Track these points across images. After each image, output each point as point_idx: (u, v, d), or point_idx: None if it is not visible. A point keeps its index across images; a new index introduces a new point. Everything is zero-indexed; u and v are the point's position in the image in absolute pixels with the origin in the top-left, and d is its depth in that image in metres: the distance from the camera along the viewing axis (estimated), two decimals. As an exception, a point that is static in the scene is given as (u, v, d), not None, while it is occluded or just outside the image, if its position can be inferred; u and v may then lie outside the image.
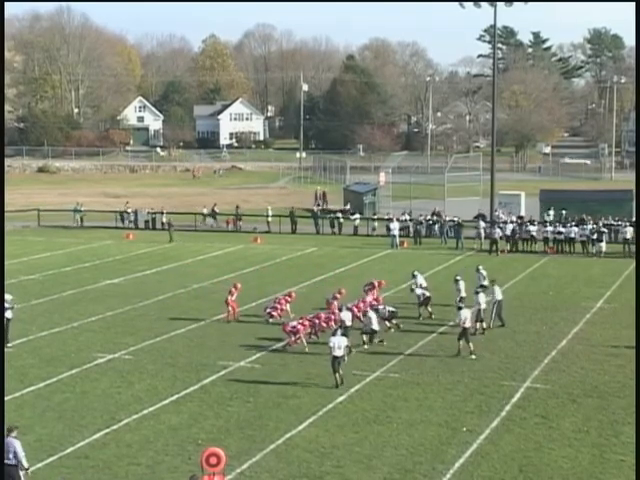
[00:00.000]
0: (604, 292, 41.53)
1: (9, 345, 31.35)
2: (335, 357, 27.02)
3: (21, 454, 18.99)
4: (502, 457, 21.67)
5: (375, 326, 31.35)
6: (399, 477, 20.64)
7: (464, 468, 21.07)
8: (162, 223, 64.27)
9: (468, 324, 30.59)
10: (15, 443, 19.03)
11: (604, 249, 52.24)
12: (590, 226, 54.31)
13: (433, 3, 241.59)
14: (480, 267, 39.36)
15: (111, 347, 31.63)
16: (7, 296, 32.38)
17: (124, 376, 28.28)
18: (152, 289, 42.36)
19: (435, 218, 60.88)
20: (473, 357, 29.96)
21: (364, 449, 22.18)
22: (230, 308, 35.74)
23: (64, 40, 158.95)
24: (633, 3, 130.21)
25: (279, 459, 21.58)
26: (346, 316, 31.41)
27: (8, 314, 31.67)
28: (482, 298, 33.87)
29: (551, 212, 61.04)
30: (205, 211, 67.56)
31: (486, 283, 37.80)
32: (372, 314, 31.83)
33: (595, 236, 52.98)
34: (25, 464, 19.09)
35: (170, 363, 29.74)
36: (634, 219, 57.39)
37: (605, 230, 54.03)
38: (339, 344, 27.09)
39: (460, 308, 31.17)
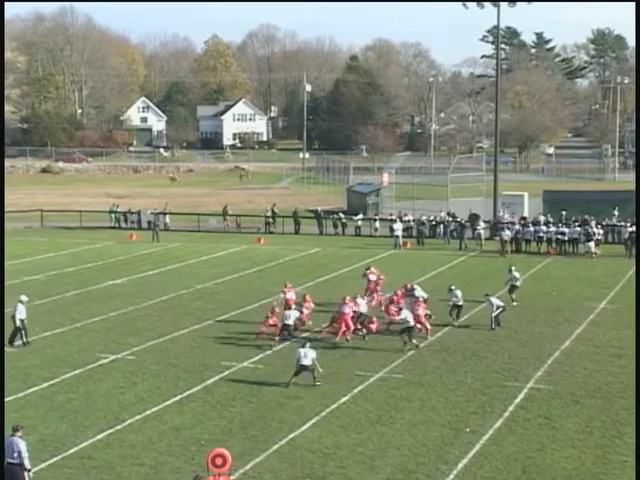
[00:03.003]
0: (607, 292, 41.51)
1: (28, 342, 31.75)
2: (303, 366, 26.92)
3: (24, 455, 19.01)
4: (505, 458, 21.66)
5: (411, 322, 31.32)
6: (402, 478, 20.63)
7: (467, 469, 21.06)
8: (148, 222, 63.95)
9: (412, 322, 31.17)
10: (20, 443, 19.06)
11: (593, 249, 52.17)
12: (593, 227, 54.30)
13: (436, 3, 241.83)
14: (513, 267, 39.29)
15: (114, 347, 31.65)
16: (23, 297, 32.56)
17: (127, 376, 28.29)
18: (155, 289, 42.37)
19: (442, 218, 60.54)
20: (410, 351, 30.65)
21: (367, 450, 22.18)
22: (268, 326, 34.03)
23: (67, 40, 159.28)
24: (634, 3, 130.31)
25: (282, 459, 21.58)
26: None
27: (23, 314, 31.78)
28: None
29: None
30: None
31: (518, 284, 38.50)
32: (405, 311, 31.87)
33: (584, 237, 53.01)
34: (28, 465, 19.12)
35: (173, 363, 29.75)
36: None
37: (596, 231, 53.88)
38: (305, 354, 27.03)
39: (401, 309, 32.07)
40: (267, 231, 63.74)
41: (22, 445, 19.07)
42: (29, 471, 19.19)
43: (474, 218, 58.99)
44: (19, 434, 19.23)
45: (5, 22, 63.83)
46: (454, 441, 22.73)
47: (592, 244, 52.35)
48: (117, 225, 66.42)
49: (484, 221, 59.27)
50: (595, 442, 22.68)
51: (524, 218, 58.88)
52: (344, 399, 25.93)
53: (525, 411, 24.94)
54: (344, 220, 63.54)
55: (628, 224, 55.29)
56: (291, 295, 35.55)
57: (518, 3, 62.64)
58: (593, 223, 54.98)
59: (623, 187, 79.60)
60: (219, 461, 18.71)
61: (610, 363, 29.68)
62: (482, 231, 56.95)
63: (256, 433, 23.27)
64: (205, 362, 29.82)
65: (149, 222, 63.57)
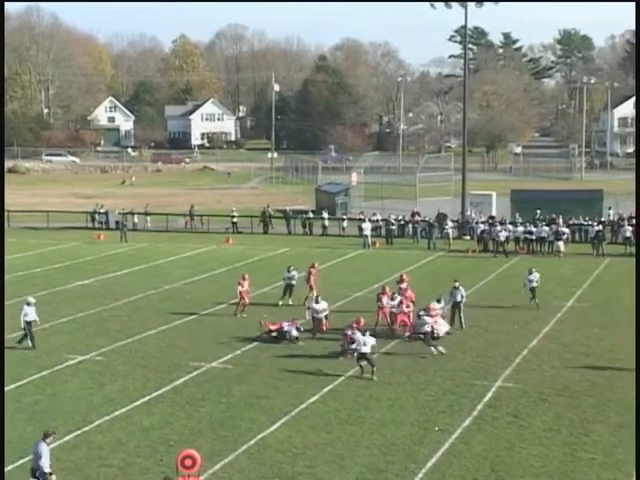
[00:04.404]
0: (575, 291, 41.78)
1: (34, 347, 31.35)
2: (361, 354, 27.69)
3: (43, 458, 18.86)
4: (474, 456, 21.73)
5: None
6: (372, 477, 20.65)
7: (436, 467, 21.11)
8: (116, 223, 63.72)
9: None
10: (42, 447, 18.96)
11: (562, 248, 52.46)
12: (562, 226, 54.64)
13: (404, 3, 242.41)
14: (534, 269, 38.40)
15: (82, 348, 31.45)
16: (31, 299, 32.30)
17: (95, 377, 28.14)
18: (123, 290, 42.17)
19: (414, 218, 60.60)
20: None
21: (336, 449, 22.18)
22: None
23: (33, 40, 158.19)
24: (611, 4, 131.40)
25: (251, 460, 21.54)
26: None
27: (31, 317, 31.49)
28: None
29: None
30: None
31: (535, 285, 37.66)
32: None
33: (554, 236, 53.27)
34: (46, 469, 18.94)
35: (142, 364, 29.62)
36: (602, 219, 57.94)
37: (564, 230, 54.16)
38: (365, 342, 27.67)
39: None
40: (235, 231, 63.61)
41: (40, 448, 18.95)
42: (50, 474, 19.01)
43: (442, 217, 59.19)
44: (48, 440, 19.15)
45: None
46: (423, 440, 22.78)
47: (561, 243, 52.66)
48: (104, 227, 65.58)
49: (452, 220, 59.53)
50: (563, 440, 22.80)
51: (492, 217, 59.12)
52: (313, 399, 25.91)
53: (493, 410, 25.03)
54: (312, 219, 63.58)
55: (595, 223, 55.69)
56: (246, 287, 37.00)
57: (485, 3, 63.05)
58: (561, 222, 55.31)
59: (590, 186, 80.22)
60: (188, 462, 18.63)
61: (577, 361, 29.86)
62: (450, 230, 57.23)
63: (225, 433, 23.22)
64: (174, 362, 29.71)
65: (117, 222, 63.33)
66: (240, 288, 36.70)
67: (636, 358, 28.59)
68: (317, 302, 33.55)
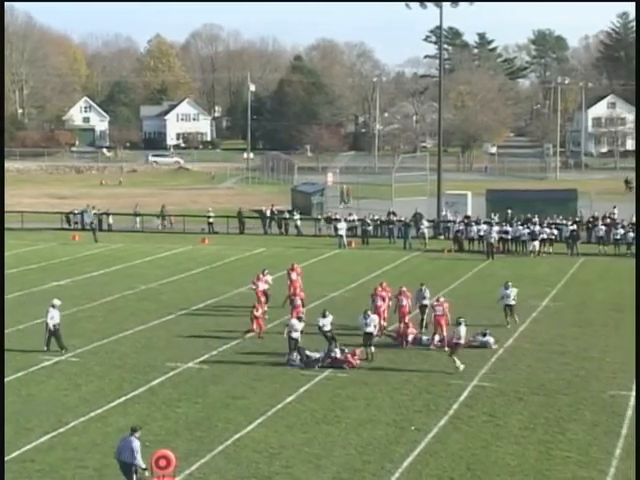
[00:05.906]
0: (549, 291, 41.98)
1: (66, 347, 31.01)
2: (366, 333, 29.86)
3: (136, 454, 19.13)
4: (450, 455, 21.81)
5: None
6: (348, 476, 20.69)
7: (413, 467, 21.18)
8: (91, 223, 63.25)
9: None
10: (133, 442, 19.20)
11: (537, 248, 52.68)
12: (537, 226, 54.83)
13: (379, 3, 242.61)
14: (509, 284, 35.02)
15: (57, 349, 31.27)
16: (56, 301, 31.91)
17: (71, 378, 28.03)
18: (99, 290, 42.03)
19: (390, 218, 60.67)
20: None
21: (313, 449, 22.20)
22: (256, 325, 33.00)
23: (7, 39, 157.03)
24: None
25: (228, 460, 21.54)
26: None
27: (57, 319, 31.14)
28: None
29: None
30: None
31: (513, 303, 34.48)
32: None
33: (529, 236, 53.41)
34: (142, 464, 19.16)
35: (117, 365, 29.54)
36: (577, 219, 58.22)
37: (539, 229, 54.32)
38: (369, 322, 29.90)
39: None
40: (211, 231, 63.50)
41: (134, 445, 19.17)
42: (144, 469, 19.18)
43: (418, 217, 59.33)
44: (137, 435, 19.38)
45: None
46: (399, 439, 22.84)
47: (537, 243, 52.87)
48: (79, 228, 65.02)
49: (428, 220, 59.67)
50: (538, 438, 22.93)
51: (468, 217, 59.29)
52: (290, 399, 25.94)
53: (469, 409, 25.13)
54: (288, 219, 63.64)
55: (569, 222, 55.96)
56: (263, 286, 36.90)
57: (460, 3, 63.24)
58: (537, 221, 55.51)
59: (564, 186, 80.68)
60: (163, 462, 18.64)
61: (552, 360, 30.02)
62: (426, 230, 57.35)
63: (202, 434, 23.20)
64: (150, 363, 29.65)
65: (91, 222, 62.98)
66: (253, 286, 36.46)
67: (636, 358, 28.67)
68: (324, 316, 30.76)
